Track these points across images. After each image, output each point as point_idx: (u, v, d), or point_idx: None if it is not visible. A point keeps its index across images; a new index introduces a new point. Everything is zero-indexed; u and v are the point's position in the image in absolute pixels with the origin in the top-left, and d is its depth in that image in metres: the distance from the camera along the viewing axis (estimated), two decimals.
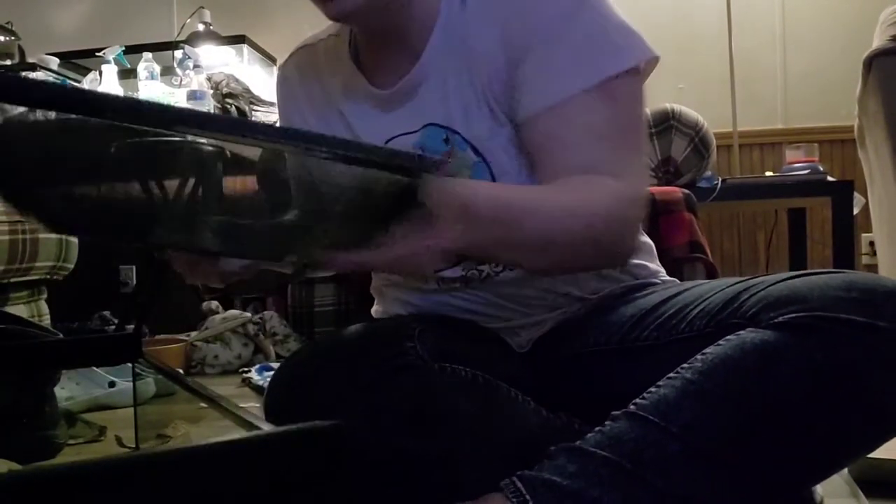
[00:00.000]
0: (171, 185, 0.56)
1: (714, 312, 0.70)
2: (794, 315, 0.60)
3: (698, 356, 0.63)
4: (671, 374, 0.63)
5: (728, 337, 0.64)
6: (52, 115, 0.46)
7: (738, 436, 0.60)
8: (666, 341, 0.74)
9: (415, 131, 0.84)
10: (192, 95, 2.29)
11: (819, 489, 0.84)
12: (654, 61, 0.78)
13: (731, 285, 0.72)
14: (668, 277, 0.94)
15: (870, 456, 0.96)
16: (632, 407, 0.63)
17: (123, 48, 2.76)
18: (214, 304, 2.37)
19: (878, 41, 1.75)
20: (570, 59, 0.76)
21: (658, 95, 2.20)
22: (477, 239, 0.64)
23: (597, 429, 0.63)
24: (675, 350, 0.69)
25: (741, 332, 0.64)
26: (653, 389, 0.63)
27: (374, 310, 1.02)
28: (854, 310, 0.59)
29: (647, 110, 1.57)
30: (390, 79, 0.84)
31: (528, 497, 0.60)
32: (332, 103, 0.91)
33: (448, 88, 0.81)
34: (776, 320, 0.61)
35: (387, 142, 0.85)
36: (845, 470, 0.98)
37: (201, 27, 2.85)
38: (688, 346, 0.67)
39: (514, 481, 0.62)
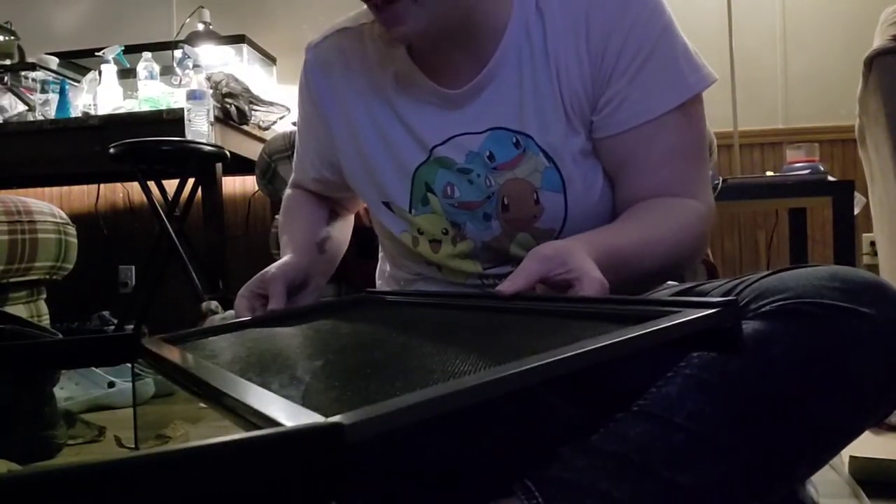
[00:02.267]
0: None
1: None
2: (781, 302, 0.63)
3: (694, 353, 0.64)
4: (669, 374, 0.64)
5: None
6: None
7: (739, 421, 0.61)
8: None
9: (479, 132, 0.84)
10: (192, 95, 2.29)
11: (814, 492, 0.84)
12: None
13: (728, 281, 0.74)
14: (671, 282, 0.95)
15: (870, 456, 0.96)
16: (635, 407, 0.64)
17: (123, 48, 2.76)
18: (214, 304, 2.36)
19: (878, 41, 1.75)
20: (662, 78, 0.80)
21: None
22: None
23: (602, 429, 0.64)
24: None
25: None
26: (653, 389, 0.64)
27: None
28: (836, 296, 0.62)
29: None
30: (454, 78, 0.85)
31: (538, 496, 0.60)
32: (380, 92, 0.90)
33: (524, 92, 0.83)
34: (764, 308, 0.63)
35: (448, 140, 0.86)
36: (846, 470, 0.98)
37: (201, 27, 2.85)
38: None
39: (526, 482, 0.62)
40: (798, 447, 0.64)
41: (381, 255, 1.08)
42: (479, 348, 0.51)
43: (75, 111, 2.64)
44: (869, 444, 1.07)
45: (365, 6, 0.80)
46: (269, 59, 3.04)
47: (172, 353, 0.66)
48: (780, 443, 0.63)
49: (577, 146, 0.83)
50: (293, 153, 2.50)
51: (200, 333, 0.77)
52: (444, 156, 0.86)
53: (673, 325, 0.46)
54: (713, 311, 0.47)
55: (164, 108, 2.49)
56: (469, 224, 0.87)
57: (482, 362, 0.46)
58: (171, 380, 0.61)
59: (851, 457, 0.98)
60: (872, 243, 2.48)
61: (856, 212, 2.09)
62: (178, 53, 2.72)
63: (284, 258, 0.91)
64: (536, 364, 0.40)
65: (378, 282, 1.07)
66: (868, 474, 0.95)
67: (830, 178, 2.14)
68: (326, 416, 0.35)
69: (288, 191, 1.12)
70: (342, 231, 1.09)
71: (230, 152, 2.36)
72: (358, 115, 0.92)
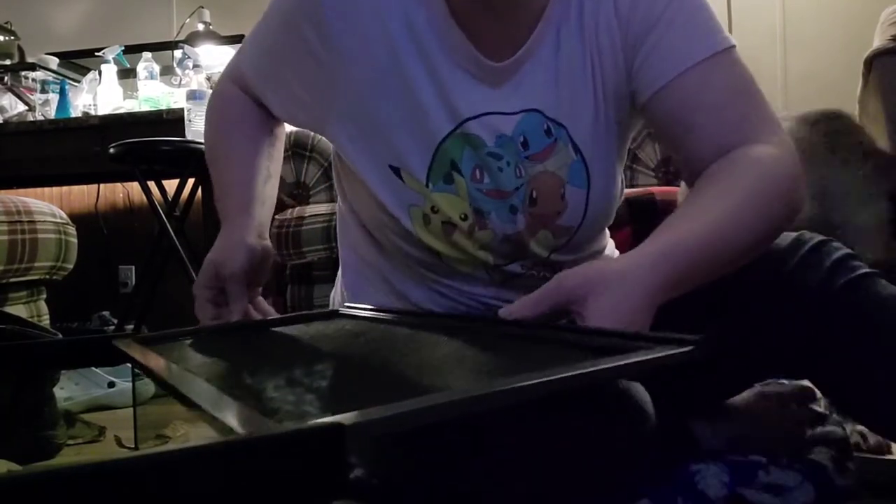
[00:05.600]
0: None
1: None
2: None
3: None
4: None
5: None
6: None
7: None
8: None
9: (513, 113, 0.80)
10: (192, 95, 2.29)
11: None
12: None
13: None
14: None
15: (871, 456, 0.96)
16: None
17: (123, 48, 2.76)
18: None
19: (878, 41, 1.75)
20: (695, 27, 0.78)
21: None
22: (679, 288, 0.63)
23: None
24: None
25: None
26: None
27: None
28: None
29: None
30: (496, 50, 0.79)
31: None
32: (415, 42, 0.79)
33: (559, 72, 0.80)
34: None
35: (479, 116, 0.79)
36: None
37: (201, 27, 2.85)
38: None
39: None
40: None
41: (342, 248, 0.97)
42: (447, 368, 0.52)
43: (75, 111, 2.64)
44: None
45: None
46: None
47: (145, 356, 0.65)
48: None
49: (603, 139, 0.82)
50: (293, 153, 2.47)
51: (173, 336, 0.75)
52: (473, 133, 0.80)
53: (635, 362, 0.45)
54: (683, 349, 0.46)
55: (164, 108, 2.49)
56: (494, 214, 0.81)
57: (453, 382, 0.47)
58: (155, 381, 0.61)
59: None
60: None
61: None
62: (178, 53, 2.73)
63: (234, 237, 0.81)
64: (530, 382, 0.40)
65: (341, 280, 0.97)
66: (869, 474, 0.95)
67: None
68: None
69: (225, 85, 0.96)
70: (279, 157, 0.95)
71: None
72: (381, 60, 0.79)
